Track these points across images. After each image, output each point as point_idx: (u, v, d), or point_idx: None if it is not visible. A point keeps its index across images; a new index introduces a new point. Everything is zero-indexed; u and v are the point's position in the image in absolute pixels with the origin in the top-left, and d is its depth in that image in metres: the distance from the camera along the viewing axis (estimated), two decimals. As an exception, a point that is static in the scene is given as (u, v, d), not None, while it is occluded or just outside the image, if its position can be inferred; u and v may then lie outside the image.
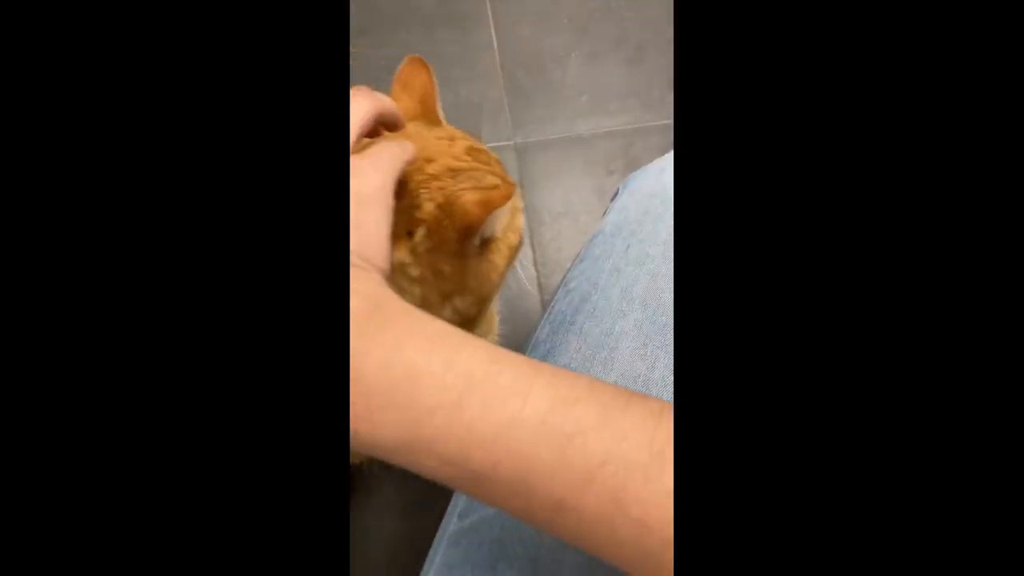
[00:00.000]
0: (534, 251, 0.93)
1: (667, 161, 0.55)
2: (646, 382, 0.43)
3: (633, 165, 0.68)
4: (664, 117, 1.02)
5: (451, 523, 0.45)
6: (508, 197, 0.39)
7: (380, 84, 1.17)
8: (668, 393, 0.43)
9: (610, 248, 0.51)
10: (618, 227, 0.52)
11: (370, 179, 0.29)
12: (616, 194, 0.58)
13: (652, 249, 0.48)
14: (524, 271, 0.91)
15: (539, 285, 0.90)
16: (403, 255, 0.41)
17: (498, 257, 0.45)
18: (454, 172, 0.42)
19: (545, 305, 0.74)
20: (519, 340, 0.57)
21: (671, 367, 0.43)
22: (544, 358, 0.47)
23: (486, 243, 0.45)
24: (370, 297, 0.26)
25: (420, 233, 0.40)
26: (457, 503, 0.46)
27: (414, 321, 0.26)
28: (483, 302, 0.47)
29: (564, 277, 0.53)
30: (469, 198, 0.39)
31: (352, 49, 0.95)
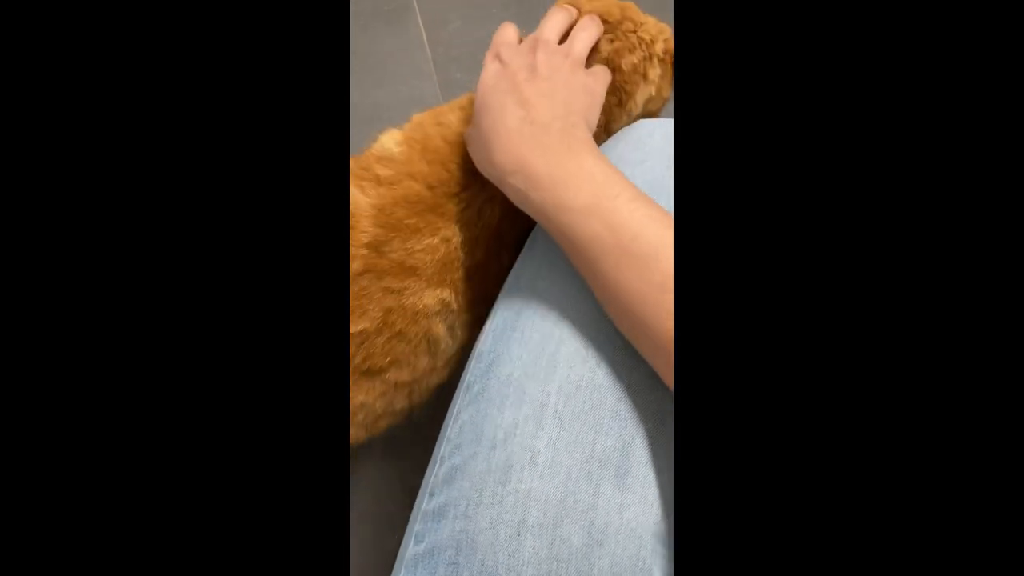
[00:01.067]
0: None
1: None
2: (591, 386, 0.42)
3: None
4: (603, 100, 1.01)
5: (408, 548, 0.44)
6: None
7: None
8: (612, 397, 0.42)
9: (547, 246, 0.50)
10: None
11: (598, 89, 0.52)
12: None
13: (588, 247, 0.48)
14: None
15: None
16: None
17: None
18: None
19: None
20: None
21: (615, 367, 0.43)
22: (488, 369, 0.46)
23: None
24: (591, 141, 0.46)
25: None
26: (414, 526, 0.45)
27: (608, 162, 0.44)
28: None
29: (506, 279, 0.52)
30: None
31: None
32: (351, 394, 0.52)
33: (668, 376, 0.39)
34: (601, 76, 0.53)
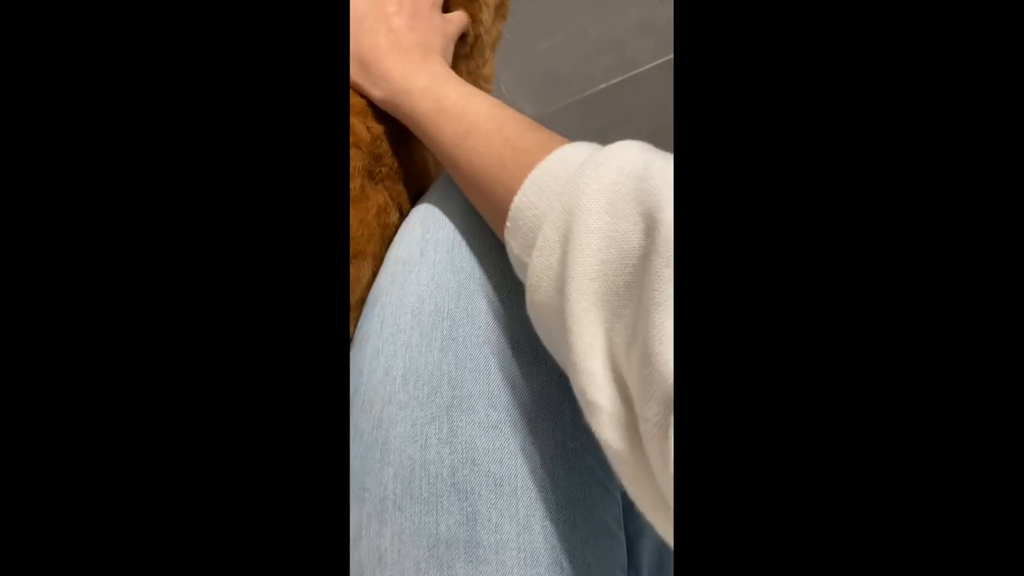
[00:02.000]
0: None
1: (411, 223, 0.52)
2: (423, 465, 0.41)
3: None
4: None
5: None
6: None
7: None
8: (447, 470, 0.41)
9: (368, 329, 0.48)
10: (373, 301, 0.50)
11: (450, 32, 0.57)
12: None
13: (401, 319, 0.46)
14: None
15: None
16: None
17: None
18: None
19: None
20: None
21: (444, 439, 0.42)
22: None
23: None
24: (444, 62, 0.53)
25: None
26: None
27: (453, 72, 0.52)
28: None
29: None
30: None
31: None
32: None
33: (497, 228, 0.43)
34: (455, 21, 0.59)
